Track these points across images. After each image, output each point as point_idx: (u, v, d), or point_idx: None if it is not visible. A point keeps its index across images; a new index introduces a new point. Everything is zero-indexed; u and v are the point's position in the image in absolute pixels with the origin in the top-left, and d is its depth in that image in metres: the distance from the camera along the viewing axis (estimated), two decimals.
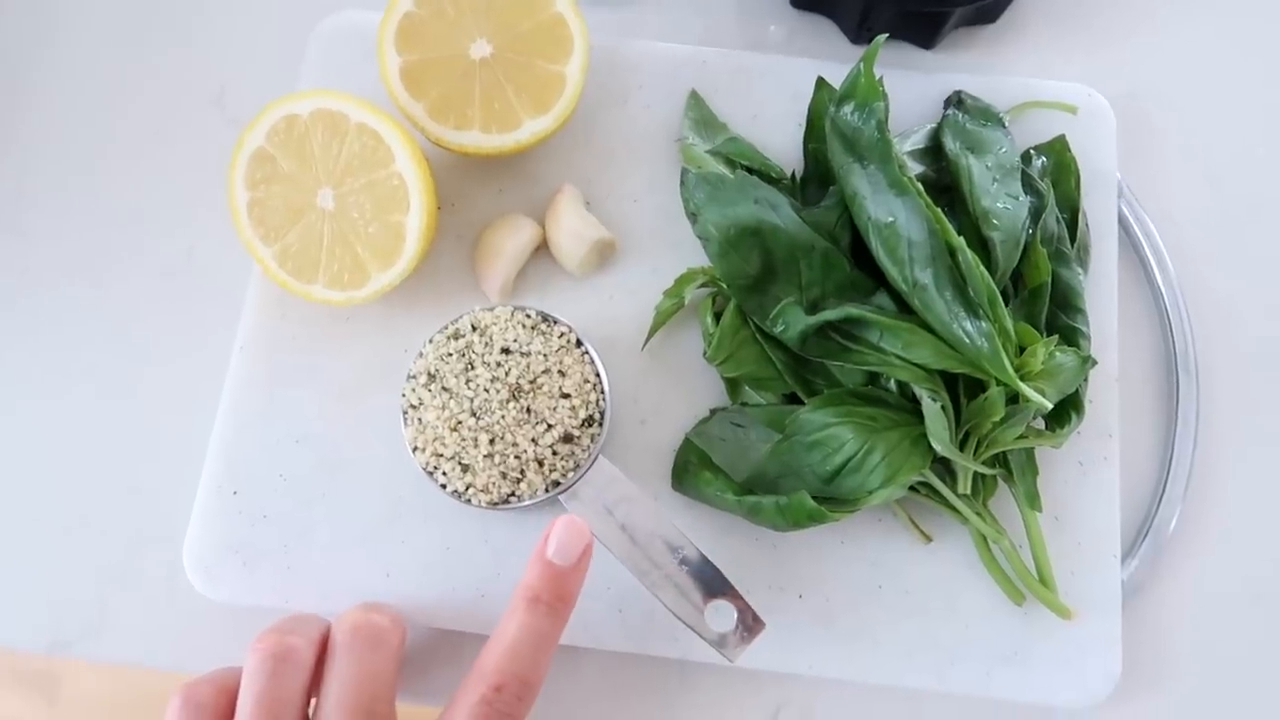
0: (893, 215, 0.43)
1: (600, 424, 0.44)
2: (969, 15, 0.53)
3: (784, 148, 0.51)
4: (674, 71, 0.53)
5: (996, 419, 0.41)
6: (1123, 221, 0.51)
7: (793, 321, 0.43)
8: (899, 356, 0.43)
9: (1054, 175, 0.50)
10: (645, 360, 0.48)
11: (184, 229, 0.52)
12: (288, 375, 0.48)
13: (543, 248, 0.49)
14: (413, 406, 0.43)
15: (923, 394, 0.42)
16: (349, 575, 0.45)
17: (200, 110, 0.54)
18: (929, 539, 0.45)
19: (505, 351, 0.44)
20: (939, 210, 0.42)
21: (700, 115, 0.51)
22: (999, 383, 0.41)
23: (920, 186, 0.43)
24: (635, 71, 0.53)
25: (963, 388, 0.43)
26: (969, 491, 0.43)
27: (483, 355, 0.43)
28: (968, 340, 0.41)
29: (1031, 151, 0.50)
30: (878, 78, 0.45)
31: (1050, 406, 0.41)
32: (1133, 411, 0.49)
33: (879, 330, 0.42)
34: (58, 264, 0.52)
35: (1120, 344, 0.48)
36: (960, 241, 0.42)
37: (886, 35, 0.45)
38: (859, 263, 0.45)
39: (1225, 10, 0.55)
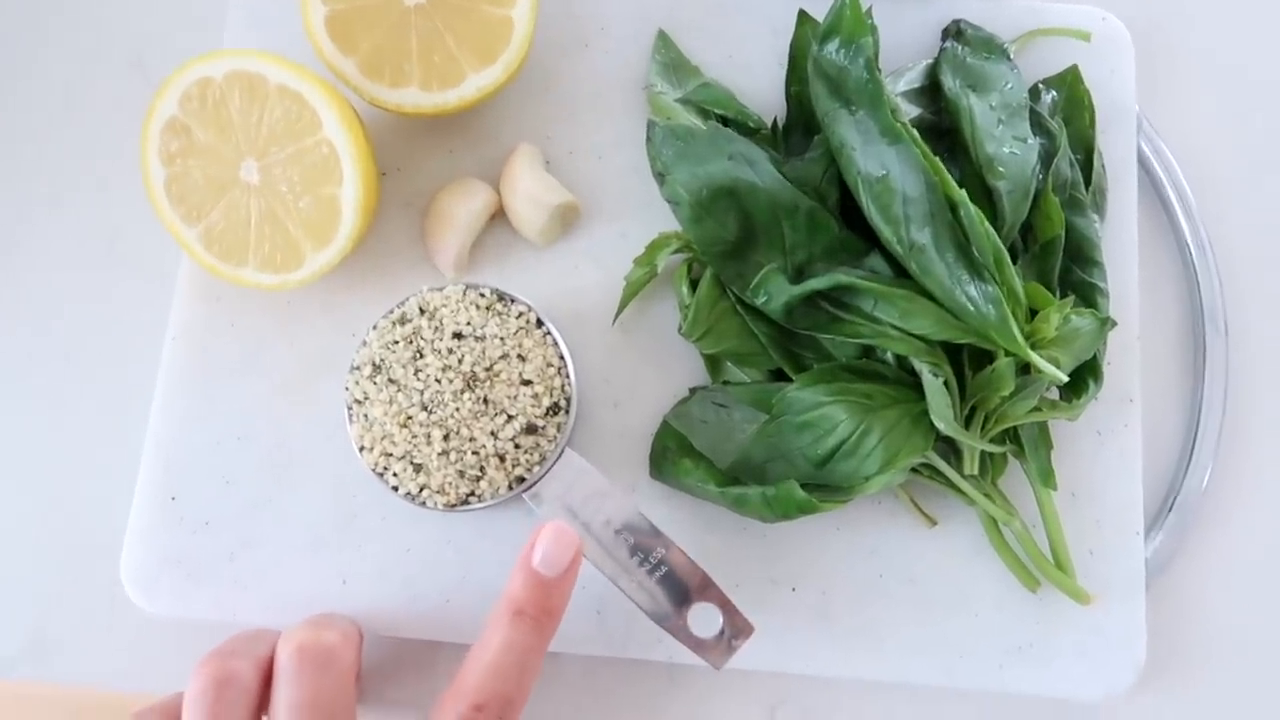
0: (885, 168, 0.38)
1: (567, 412, 0.40)
2: None
3: (764, 91, 0.46)
4: (639, 9, 0.47)
5: (1006, 393, 0.37)
6: (1143, 160, 0.46)
7: (776, 291, 0.38)
8: (896, 327, 0.38)
9: (1066, 112, 0.44)
10: (616, 336, 0.44)
11: (104, 209, 0.47)
12: (225, 367, 0.44)
13: (499, 214, 0.44)
14: (357, 401, 0.39)
15: (923, 368, 0.38)
16: (301, 585, 0.41)
17: (118, 75, 0.49)
18: (934, 522, 0.41)
19: (457, 336, 0.39)
20: (937, 160, 0.38)
21: (669, 58, 0.46)
22: (1008, 353, 0.37)
23: (915, 133, 0.38)
24: (596, 11, 0.47)
25: (967, 358, 0.39)
26: (976, 472, 0.39)
27: (432, 342, 0.39)
28: (972, 307, 0.37)
29: (1040, 86, 0.45)
30: (865, 8, 0.40)
31: (1066, 379, 0.36)
32: (1155, 372, 0.44)
33: (873, 298, 0.38)
34: None
35: (1141, 298, 0.44)
36: (962, 195, 0.37)
37: None
38: (849, 222, 0.40)
39: None
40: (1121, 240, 0.44)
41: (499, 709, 0.34)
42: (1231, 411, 0.44)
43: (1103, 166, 0.44)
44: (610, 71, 0.47)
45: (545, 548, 0.36)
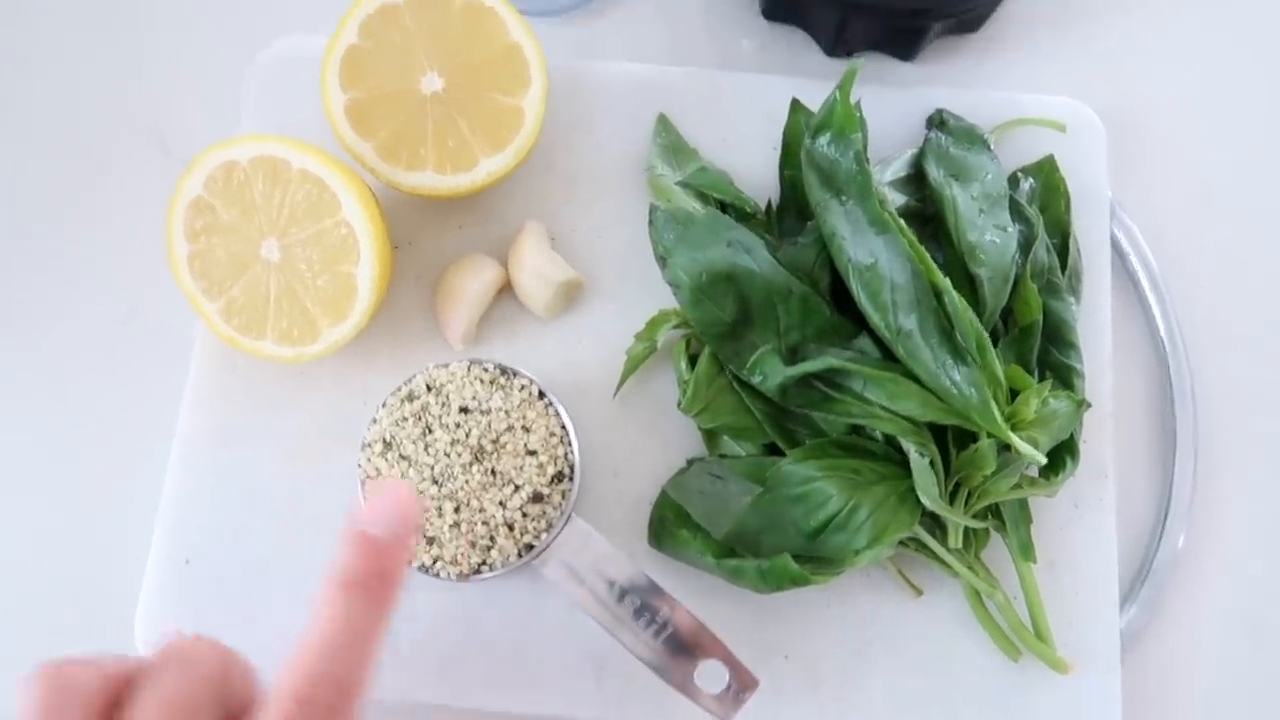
0: (874, 256, 0.40)
1: (571, 479, 0.42)
2: (951, 25, 0.51)
3: (758, 173, 0.48)
4: (640, 93, 0.50)
5: (988, 472, 0.39)
6: (1115, 243, 0.48)
7: (771, 372, 0.40)
8: (884, 407, 0.40)
9: (1043, 199, 0.47)
10: (617, 407, 0.46)
11: (125, 277, 0.49)
12: (240, 432, 0.45)
13: (506, 288, 0.46)
14: (370, 478, 0.41)
15: (910, 448, 0.40)
16: None
17: (138, 146, 0.51)
18: (919, 592, 0.43)
19: (464, 411, 0.41)
20: (922, 249, 0.40)
21: (669, 141, 0.48)
22: (990, 434, 0.39)
23: (903, 223, 0.40)
24: (599, 95, 0.50)
25: (952, 437, 0.41)
26: (960, 546, 0.41)
27: (440, 417, 0.41)
28: (955, 390, 0.39)
29: (1019, 174, 0.47)
30: (854, 102, 0.43)
31: (1044, 461, 0.39)
32: (1128, 447, 0.46)
33: (863, 380, 0.40)
34: None
35: (1114, 376, 0.46)
36: (946, 283, 0.40)
37: (863, 61, 0.42)
38: (840, 305, 0.42)
39: (1219, 15, 0.53)
40: (1095, 321, 0.46)
41: (330, 695, 0.29)
42: (1201, 485, 0.46)
43: (1078, 250, 0.47)
44: (613, 152, 0.49)
45: (375, 506, 0.32)
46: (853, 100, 0.43)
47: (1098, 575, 0.44)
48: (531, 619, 0.43)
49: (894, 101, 0.49)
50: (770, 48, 0.52)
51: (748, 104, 0.49)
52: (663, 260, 0.42)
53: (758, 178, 0.48)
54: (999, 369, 0.40)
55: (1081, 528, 0.44)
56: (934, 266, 0.40)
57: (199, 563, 0.44)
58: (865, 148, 0.44)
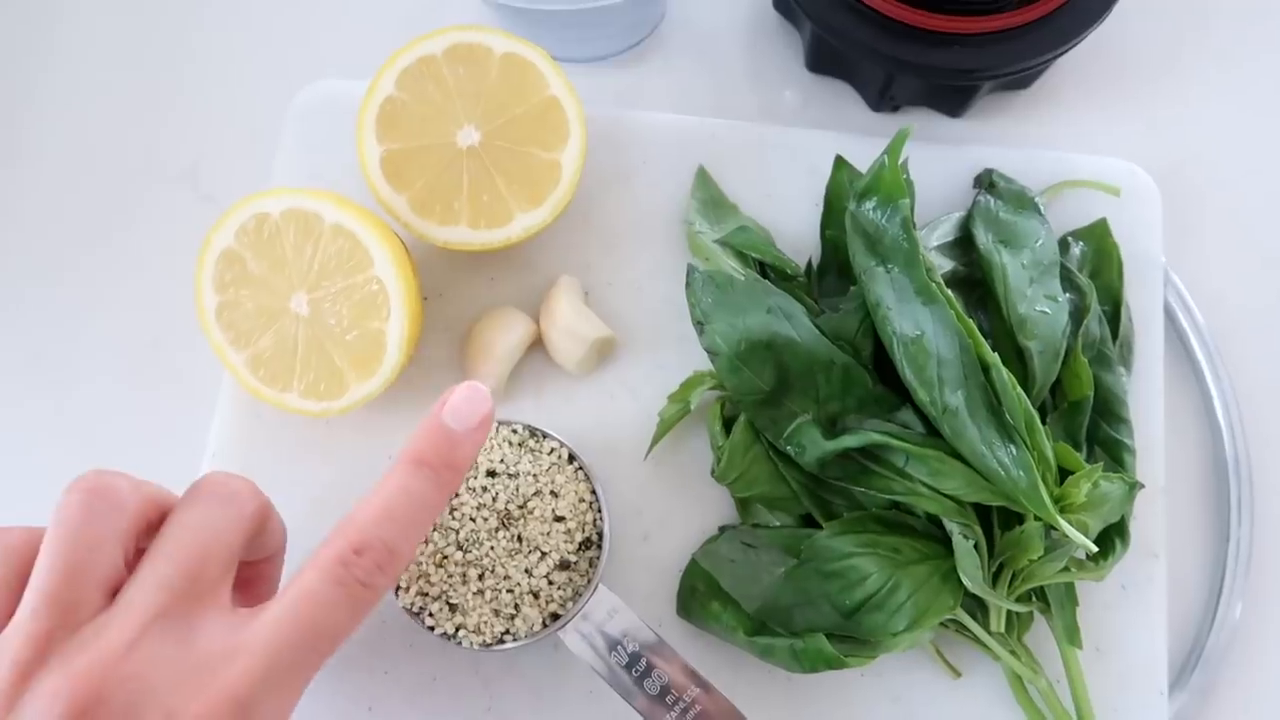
0: (920, 328, 0.39)
1: (599, 547, 0.41)
2: (1001, 82, 0.49)
3: (799, 230, 0.47)
4: (680, 145, 0.49)
5: (1034, 556, 0.38)
6: (1168, 312, 0.47)
7: (810, 444, 0.39)
8: (927, 485, 0.39)
9: (1094, 264, 0.45)
10: (648, 469, 0.44)
11: (150, 319, 0.48)
12: (263, 484, 0.44)
13: (537, 343, 0.45)
14: None
15: (953, 529, 0.38)
16: (328, 707, 0.42)
17: (172, 188, 0.51)
18: (958, 674, 0.41)
19: (491, 474, 0.40)
20: (970, 322, 0.38)
21: (708, 195, 0.47)
22: (1037, 517, 0.37)
23: (950, 294, 0.39)
24: (638, 145, 0.49)
25: (996, 517, 0.40)
26: (1002, 629, 0.39)
27: (467, 480, 0.40)
28: (1003, 472, 0.37)
29: (1069, 238, 0.46)
30: (902, 162, 0.41)
31: (1094, 549, 0.37)
32: (1180, 523, 0.45)
33: (905, 455, 0.39)
34: (10, 361, 0.49)
35: (1167, 450, 0.44)
36: (995, 358, 0.38)
37: (913, 126, 0.41)
38: (882, 374, 0.41)
39: (1278, 78, 0.51)
40: (1148, 393, 0.45)
41: (381, 555, 0.31)
42: (1257, 564, 0.44)
43: (1129, 319, 0.45)
44: (650, 204, 0.48)
45: (455, 402, 0.34)
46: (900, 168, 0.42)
47: (1146, 660, 0.42)
48: (553, 690, 0.42)
49: (941, 159, 0.48)
50: (814, 101, 0.51)
51: (790, 159, 0.48)
52: (700, 325, 0.40)
53: (799, 235, 0.47)
54: (1048, 449, 0.38)
55: (1129, 609, 0.42)
56: (982, 340, 0.38)
57: None
58: (913, 213, 0.43)
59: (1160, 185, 0.48)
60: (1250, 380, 0.46)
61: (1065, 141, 0.50)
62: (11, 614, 0.29)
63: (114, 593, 0.30)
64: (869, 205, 0.41)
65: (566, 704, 0.42)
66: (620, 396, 0.45)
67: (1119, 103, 0.51)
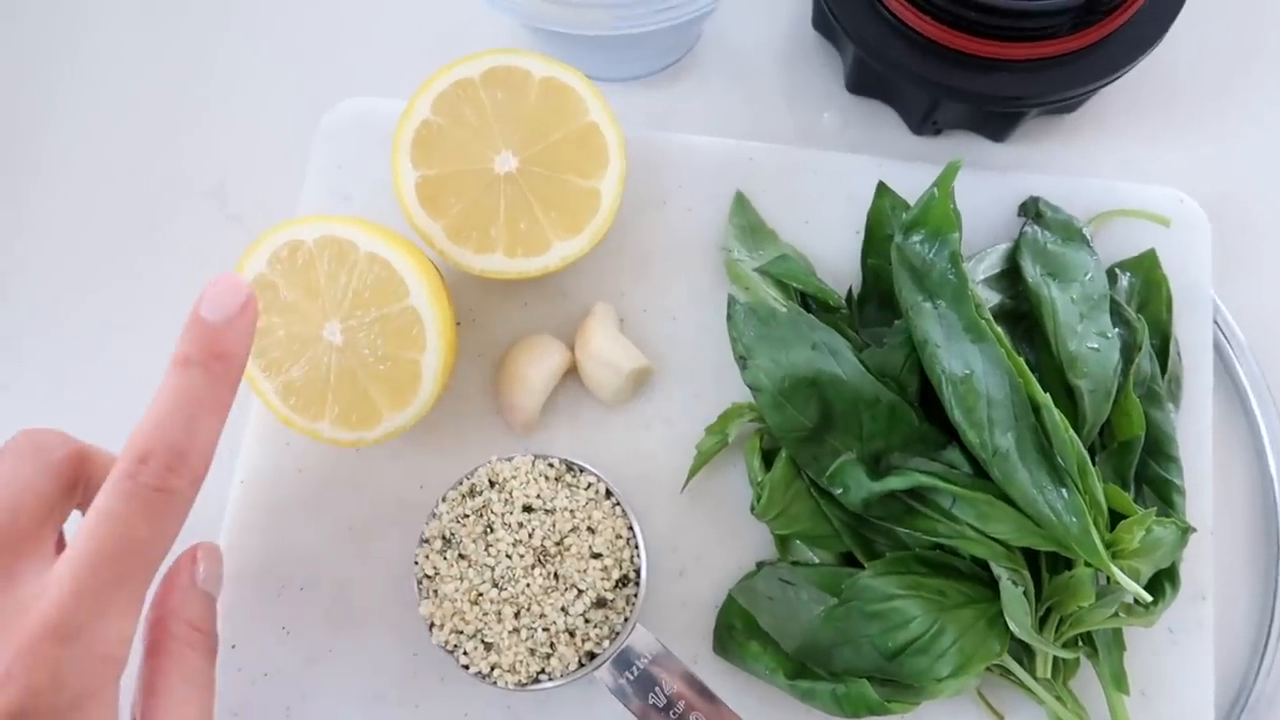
0: (969, 367, 0.38)
1: (636, 583, 0.40)
2: (1048, 107, 0.48)
3: (839, 257, 0.46)
4: (718, 169, 0.48)
5: (1085, 603, 0.37)
6: (1217, 345, 0.46)
7: (854, 485, 0.38)
8: (974, 527, 0.38)
9: (1142, 296, 0.44)
10: (685, 502, 0.43)
11: (175, 340, 0.47)
12: (292, 513, 0.44)
13: (572, 371, 0.45)
14: (428, 576, 0.39)
15: (1001, 574, 0.37)
16: None
17: (200, 207, 0.50)
18: (1002, 718, 0.40)
19: (527, 510, 0.39)
20: (1021, 361, 0.37)
21: (746, 221, 0.46)
22: (1088, 563, 0.37)
23: (1000, 331, 0.38)
24: (675, 169, 0.48)
25: (1045, 560, 0.39)
26: (1049, 675, 0.38)
27: (503, 515, 0.39)
28: (1055, 517, 0.36)
29: (1116, 269, 0.45)
30: (912, 190, 0.41)
31: (1148, 598, 0.36)
32: (1228, 564, 0.44)
33: (951, 497, 0.38)
34: (32, 380, 0.48)
35: (1216, 490, 0.43)
36: (1046, 399, 0.37)
37: (963, 159, 0.40)
38: (929, 412, 0.40)
39: None
40: (1196, 430, 0.44)
41: (166, 458, 0.30)
42: None
43: (1178, 353, 0.44)
44: (687, 230, 0.47)
45: (211, 294, 0.32)
46: (923, 185, 0.41)
47: (1194, 705, 0.41)
48: None
49: (984, 185, 0.47)
50: (853, 123, 0.50)
51: (830, 184, 0.47)
52: (742, 360, 0.40)
53: (838, 263, 0.46)
54: (1100, 492, 0.37)
55: (1177, 653, 0.41)
56: (1033, 380, 0.37)
57: (245, 648, 0.42)
58: (960, 248, 0.42)
59: (1209, 215, 0.46)
60: None
61: (1111, 168, 0.49)
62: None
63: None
64: (916, 238, 0.40)
65: None
66: (656, 427, 0.44)
67: (1167, 129, 0.49)
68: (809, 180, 0.47)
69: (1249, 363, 0.45)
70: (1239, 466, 0.45)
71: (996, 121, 0.48)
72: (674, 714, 0.38)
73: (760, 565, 0.42)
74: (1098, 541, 0.36)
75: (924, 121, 0.48)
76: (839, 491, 0.38)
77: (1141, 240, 0.45)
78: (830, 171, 0.48)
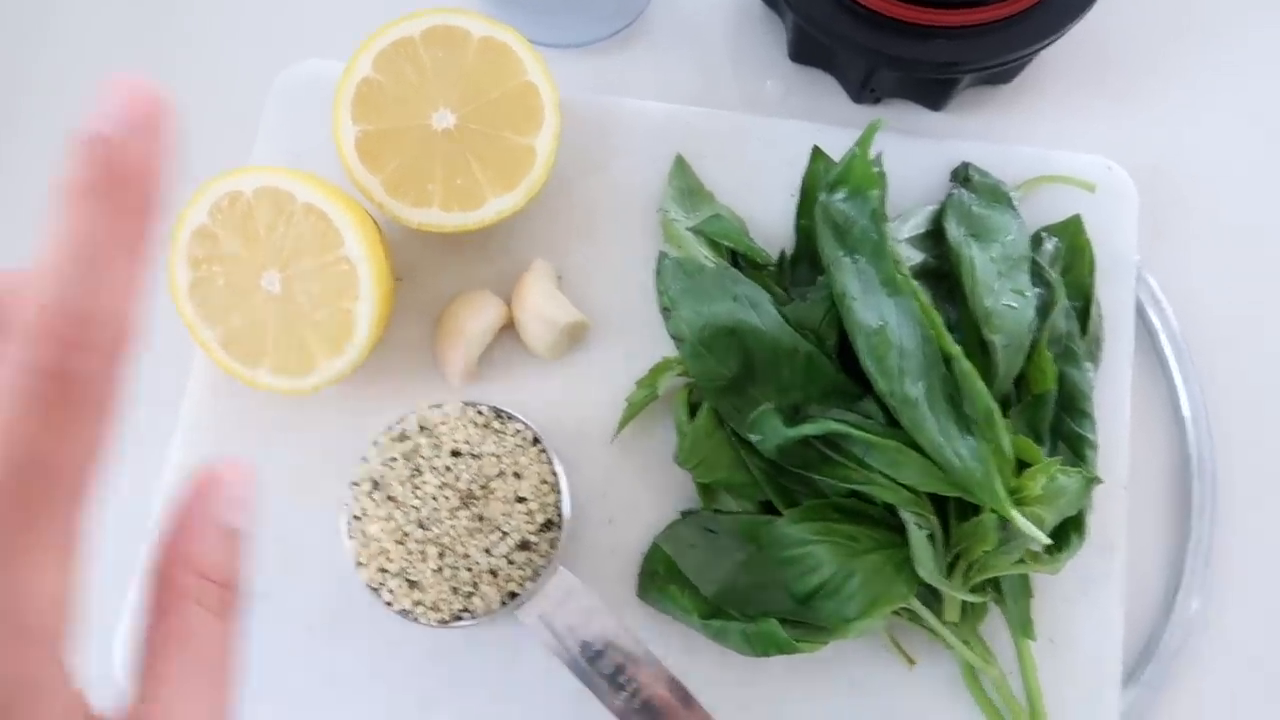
0: (884, 319, 0.39)
1: (560, 528, 0.41)
2: (982, 76, 0.49)
3: (775, 220, 0.47)
4: (660, 132, 0.49)
5: (989, 547, 0.38)
6: (1140, 310, 0.47)
7: (770, 432, 0.39)
8: (885, 474, 0.39)
9: (1066, 260, 0.46)
10: (615, 453, 0.45)
11: None
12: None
13: (510, 326, 0.46)
14: (356, 517, 0.40)
15: (909, 519, 0.38)
16: (288, 680, 0.43)
17: None
18: (913, 662, 0.42)
19: (455, 454, 0.40)
20: (935, 314, 0.39)
21: (685, 184, 0.47)
22: (993, 509, 0.38)
23: (916, 286, 0.39)
24: (617, 132, 0.49)
25: (954, 507, 0.40)
26: (956, 619, 0.40)
27: (430, 460, 0.40)
28: (959, 463, 0.37)
29: (1043, 233, 0.46)
30: (875, 155, 0.42)
31: (1048, 541, 0.37)
32: (1142, 521, 0.45)
33: (864, 445, 0.39)
34: None
35: (1132, 446, 0.45)
36: (957, 350, 0.38)
37: (884, 120, 0.41)
38: (846, 365, 0.41)
39: (1261, 82, 0.51)
40: (1115, 389, 0.45)
41: (64, 328, 0.20)
42: (1216, 564, 0.44)
43: (1099, 316, 0.45)
44: (628, 191, 0.48)
45: (107, 102, 0.21)
46: (876, 151, 0.42)
47: (1100, 654, 0.42)
48: (512, 668, 0.43)
49: (920, 152, 0.48)
50: (796, 91, 0.51)
51: (769, 149, 0.48)
52: (667, 311, 0.41)
53: (774, 224, 0.47)
54: (1006, 442, 0.38)
55: (1086, 603, 0.43)
56: (945, 332, 0.38)
57: None
58: (884, 204, 0.43)
59: (1140, 184, 0.48)
60: (1219, 381, 0.46)
61: (1046, 137, 0.50)
62: None
63: None
64: (839, 196, 0.41)
65: (525, 682, 0.42)
66: (591, 381, 0.46)
67: (1101, 100, 0.50)
68: (749, 145, 0.49)
69: (1171, 328, 0.47)
70: (1158, 427, 0.46)
71: (933, 89, 0.49)
72: (591, 651, 0.39)
73: (684, 514, 0.43)
74: (999, 487, 0.37)
75: (862, 90, 0.49)
76: (757, 439, 0.40)
77: (1072, 207, 0.46)
78: (770, 137, 0.49)
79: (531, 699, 0.42)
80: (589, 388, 0.46)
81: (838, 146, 0.47)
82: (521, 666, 0.43)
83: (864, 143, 0.41)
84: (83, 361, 0.20)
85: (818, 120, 0.49)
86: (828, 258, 0.41)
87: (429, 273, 0.47)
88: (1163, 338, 0.47)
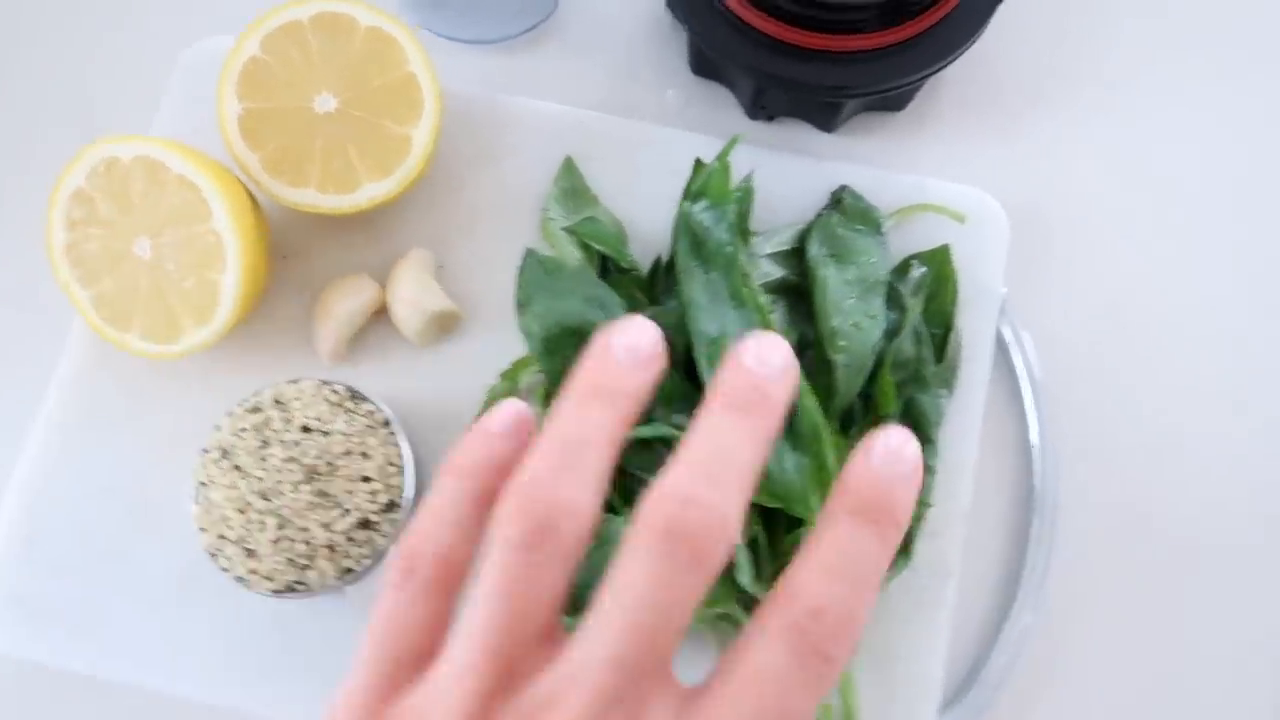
0: (725, 331, 0.40)
1: (402, 510, 0.42)
2: (873, 102, 0.50)
3: (657, 228, 0.48)
4: (554, 133, 0.50)
5: None
6: (1002, 343, 0.48)
7: None
8: None
9: (931, 287, 0.46)
10: None
11: (17, 254, 0.50)
12: (105, 421, 0.46)
13: (385, 311, 0.47)
14: (202, 484, 0.41)
15: None
16: (135, 642, 0.44)
17: (62, 132, 0.52)
18: None
19: (305, 430, 0.41)
20: (775, 331, 0.40)
21: (571, 185, 0.48)
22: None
23: (762, 302, 0.40)
24: (513, 130, 0.50)
25: (784, 519, 0.41)
26: None
27: (280, 433, 0.41)
28: (780, 475, 0.38)
29: (913, 261, 0.47)
30: (749, 171, 0.43)
31: None
32: (984, 550, 0.46)
33: None
34: None
35: (980, 475, 0.46)
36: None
37: (742, 136, 0.42)
38: (692, 373, 0.42)
39: (1143, 127, 0.52)
40: (966, 417, 0.46)
41: (704, 524, 0.24)
42: (1047, 599, 0.45)
43: (958, 344, 0.46)
44: (516, 189, 0.49)
45: (755, 345, 0.26)
46: (756, 168, 0.43)
47: (923, 673, 0.43)
48: (350, 643, 0.43)
49: (803, 172, 0.49)
50: (696, 102, 0.52)
51: (659, 157, 0.49)
52: (520, 306, 0.42)
53: (656, 233, 0.48)
54: (831, 458, 0.39)
55: (914, 623, 0.44)
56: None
57: (42, 543, 0.45)
58: (746, 218, 0.44)
59: (1015, 218, 0.49)
60: (1070, 419, 0.47)
61: (932, 167, 0.51)
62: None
63: (549, 637, 0.25)
64: (701, 206, 0.42)
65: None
66: (459, 371, 0.47)
67: (989, 132, 0.51)
68: (639, 152, 0.50)
69: (1029, 362, 0.48)
70: (1009, 456, 0.47)
71: (823, 111, 0.50)
72: None
73: None
74: (815, 501, 0.38)
75: (755, 106, 0.50)
76: None
77: (949, 237, 0.47)
78: (661, 146, 0.50)
79: None
80: (456, 377, 0.47)
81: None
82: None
83: (723, 156, 0.42)
84: (712, 555, 0.24)
85: (712, 133, 0.50)
86: (681, 266, 0.42)
87: (313, 254, 0.48)
88: (1021, 371, 0.47)
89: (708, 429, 0.26)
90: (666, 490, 0.25)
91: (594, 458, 0.26)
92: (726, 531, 0.24)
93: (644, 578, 0.24)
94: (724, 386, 0.26)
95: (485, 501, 0.27)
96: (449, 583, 0.27)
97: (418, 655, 0.26)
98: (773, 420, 0.26)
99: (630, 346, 0.27)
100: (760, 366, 0.26)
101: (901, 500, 0.26)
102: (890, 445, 0.26)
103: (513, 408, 0.28)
